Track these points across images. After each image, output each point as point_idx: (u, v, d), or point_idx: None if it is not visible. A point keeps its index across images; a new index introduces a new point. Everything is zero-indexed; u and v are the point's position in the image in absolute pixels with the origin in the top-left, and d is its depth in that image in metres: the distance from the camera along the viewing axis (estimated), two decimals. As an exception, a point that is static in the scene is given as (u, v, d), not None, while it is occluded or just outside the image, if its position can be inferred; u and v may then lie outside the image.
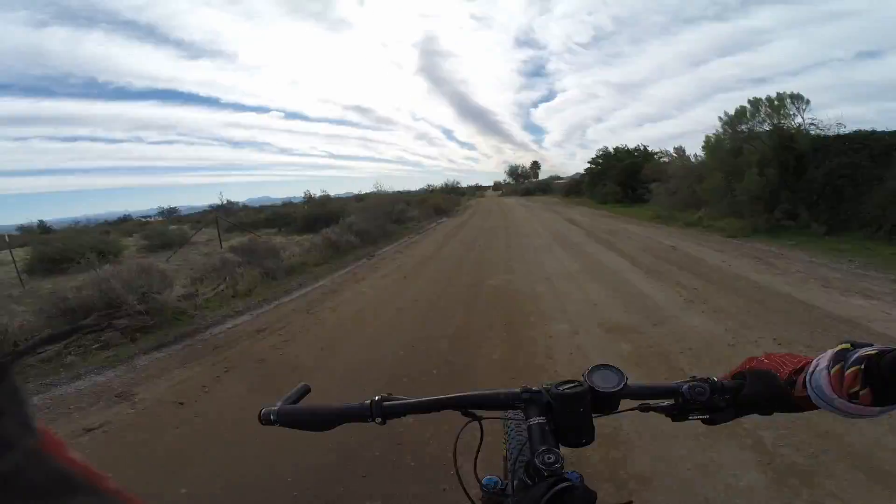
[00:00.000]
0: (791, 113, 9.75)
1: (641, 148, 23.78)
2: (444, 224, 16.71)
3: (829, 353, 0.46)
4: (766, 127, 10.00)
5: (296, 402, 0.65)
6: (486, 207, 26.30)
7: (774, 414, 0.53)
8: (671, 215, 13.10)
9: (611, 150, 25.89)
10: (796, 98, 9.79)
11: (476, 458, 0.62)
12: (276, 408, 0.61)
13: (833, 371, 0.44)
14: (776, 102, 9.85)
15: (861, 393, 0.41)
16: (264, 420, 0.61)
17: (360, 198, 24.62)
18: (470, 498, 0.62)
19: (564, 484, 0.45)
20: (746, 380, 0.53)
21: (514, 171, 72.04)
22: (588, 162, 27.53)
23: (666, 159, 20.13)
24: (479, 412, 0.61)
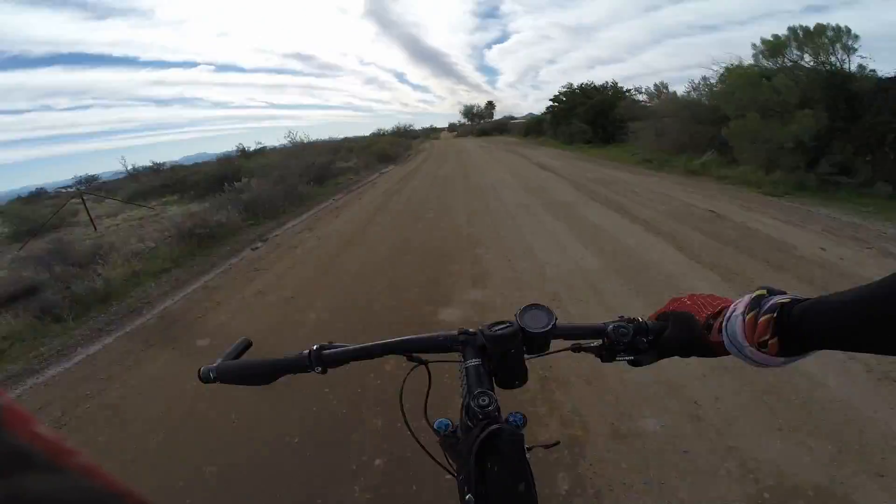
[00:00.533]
0: (838, 49, 7.31)
1: (611, 85, 20.83)
2: (386, 175, 13.48)
3: (746, 298, 0.44)
4: (809, 62, 7.59)
5: (237, 356, 0.64)
6: (441, 151, 22.95)
7: None
8: (663, 160, 10.78)
9: (576, 86, 22.85)
10: (844, 33, 7.30)
11: (426, 402, 0.61)
12: (215, 365, 0.61)
13: (748, 318, 0.43)
14: (827, 36, 7.31)
15: (770, 342, 0.40)
16: (203, 378, 0.60)
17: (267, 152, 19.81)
18: (418, 441, 0.61)
19: (493, 427, 0.46)
20: (669, 322, 0.53)
21: (469, 112, 66.96)
22: (550, 100, 24.44)
23: (643, 97, 17.69)
24: (425, 356, 0.60)
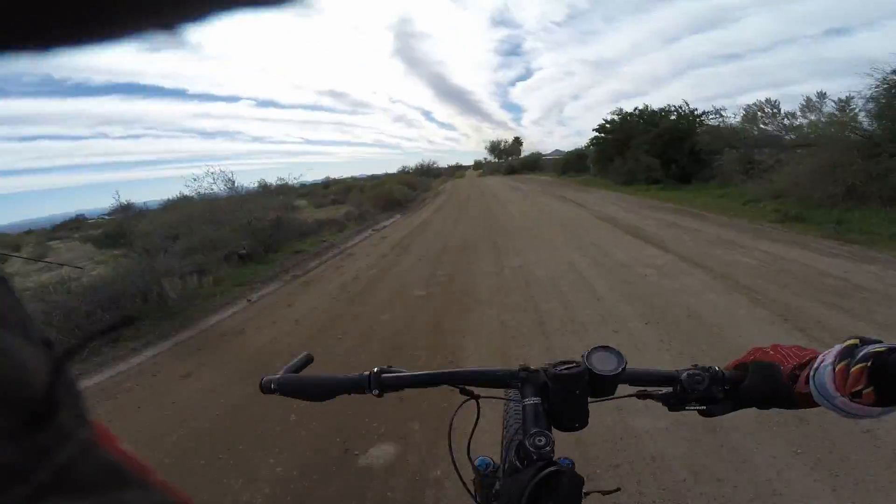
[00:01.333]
0: None
1: (683, 108, 16.30)
2: (378, 236, 9.32)
3: (837, 348, 0.43)
4: None
5: (298, 370, 0.64)
6: (464, 193, 19.02)
7: None
8: (798, 211, 6.32)
9: (632, 110, 18.59)
10: None
11: (471, 437, 0.61)
12: (277, 376, 0.60)
13: (838, 367, 0.41)
14: None
15: (864, 391, 0.39)
16: (265, 389, 0.60)
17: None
18: (462, 479, 0.62)
19: (552, 468, 0.44)
20: (749, 372, 0.51)
21: (495, 147, 62.66)
22: (596, 129, 20.26)
23: (735, 119, 13.10)
24: (476, 390, 0.60)
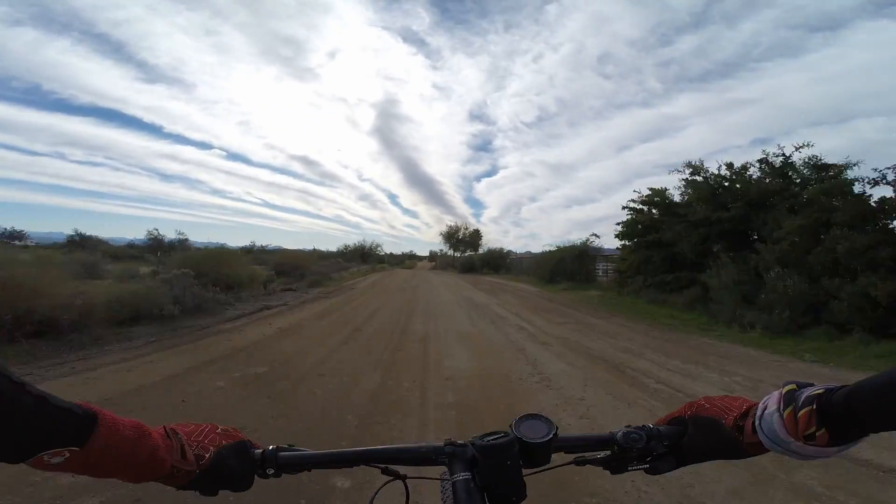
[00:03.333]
0: None
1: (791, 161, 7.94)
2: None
3: (776, 394, 0.44)
4: None
5: None
6: (374, 304, 9.06)
7: None
8: None
9: (710, 170, 9.92)
10: None
11: None
12: None
13: (786, 413, 0.41)
14: None
15: (817, 434, 0.39)
16: None
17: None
18: None
19: None
20: (688, 428, 0.51)
21: (452, 235, 49.67)
22: (630, 207, 11.58)
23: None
24: (403, 470, 0.54)
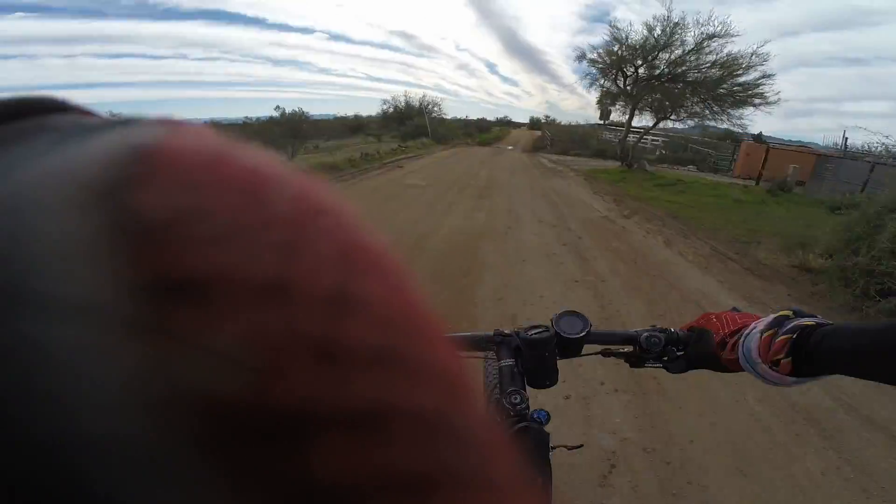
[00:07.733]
0: None
1: None
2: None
3: (770, 317, 0.45)
4: None
5: None
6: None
7: None
8: None
9: None
10: None
11: None
12: None
13: (765, 335, 0.43)
14: None
15: (782, 361, 0.41)
16: None
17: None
18: None
19: (522, 424, 0.49)
20: (693, 336, 0.55)
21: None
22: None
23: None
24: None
